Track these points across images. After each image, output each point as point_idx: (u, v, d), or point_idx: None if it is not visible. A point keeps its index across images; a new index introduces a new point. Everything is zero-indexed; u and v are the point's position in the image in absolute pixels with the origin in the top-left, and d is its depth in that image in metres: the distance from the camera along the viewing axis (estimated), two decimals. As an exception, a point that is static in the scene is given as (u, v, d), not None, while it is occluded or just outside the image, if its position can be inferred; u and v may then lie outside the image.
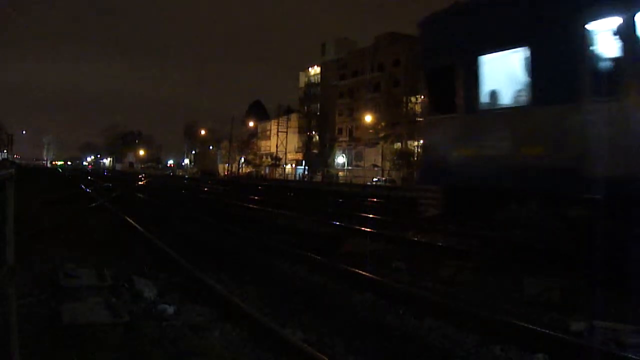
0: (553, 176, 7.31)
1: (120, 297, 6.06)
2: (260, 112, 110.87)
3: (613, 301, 6.14)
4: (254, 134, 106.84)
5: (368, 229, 12.84)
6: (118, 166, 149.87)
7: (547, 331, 5.09)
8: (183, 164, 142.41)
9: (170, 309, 5.77)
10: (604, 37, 7.01)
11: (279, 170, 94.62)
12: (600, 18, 6.96)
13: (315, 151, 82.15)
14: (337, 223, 14.35)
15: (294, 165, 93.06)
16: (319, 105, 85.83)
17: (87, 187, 29.76)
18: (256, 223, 14.57)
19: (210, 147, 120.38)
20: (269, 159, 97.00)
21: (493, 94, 8.60)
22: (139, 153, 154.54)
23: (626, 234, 6.39)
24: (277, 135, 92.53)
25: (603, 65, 7.11)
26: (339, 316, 5.96)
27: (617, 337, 5.17)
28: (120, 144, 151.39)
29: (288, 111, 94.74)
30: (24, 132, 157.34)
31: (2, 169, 3.43)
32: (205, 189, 38.76)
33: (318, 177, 78.72)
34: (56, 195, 21.08)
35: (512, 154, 7.98)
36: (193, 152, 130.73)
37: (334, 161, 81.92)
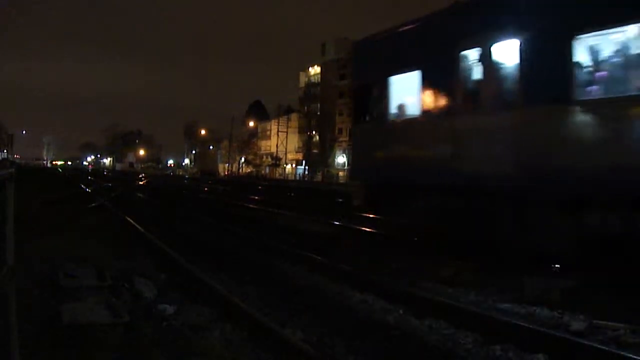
0: (438, 172, 9.33)
1: (120, 297, 6.06)
2: (260, 112, 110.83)
3: (614, 300, 6.14)
4: (254, 134, 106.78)
5: (368, 229, 12.82)
6: (118, 166, 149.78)
7: (547, 331, 5.10)
8: (183, 164, 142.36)
9: (170, 309, 5.77)
10: (472, 64, 8.87)
11: (279, 170, 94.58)
12: (469, 49, 8.81)
13: (315, 151, 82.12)
14: (337, 223, 14.34)
15: (294, 165, 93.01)
16: (319, 105, 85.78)
17: (87, 187, 29.77)
18: (256, 223, 14.57)
19: (210, 147, 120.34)
20: (269, 159, 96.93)
21: (399, 107, 10.75)
22: (139, 153, 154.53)
23: (486, 219, 8.33)
24: (277, 135, 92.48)
25: (470, 85, 8.95)
26: (339, 316, 5.96)
27: (618, 336, 5.17)
28: (120, 144, 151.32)
29: (288, 111, 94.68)
30: (24, 132, 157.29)
31: (2, 169, 3.43)
32: (205, 189, 38.76)
33: (318, 177, 78.67)
34: (56, 195, 21.08)
35: (412, 154, 10.21)
36: (193, 152, 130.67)
37: (334, 161, 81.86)
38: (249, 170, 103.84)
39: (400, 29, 10.82)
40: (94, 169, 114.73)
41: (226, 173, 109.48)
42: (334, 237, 11.79)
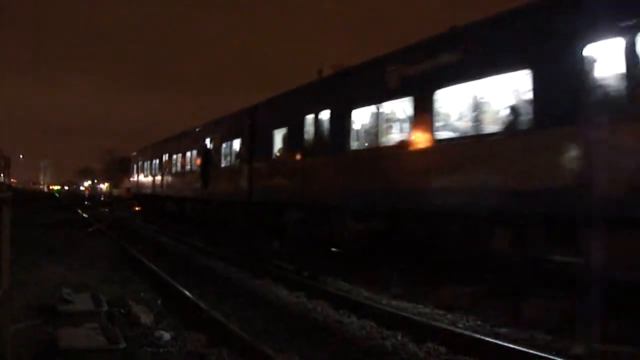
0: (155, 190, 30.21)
1: (116, 322, 6.00)
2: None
3: (613, 323, 6.10)
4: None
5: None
6: (115, 192, 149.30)
7: (546, 355, 5.05)
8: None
9: (167, 335, 5.71)
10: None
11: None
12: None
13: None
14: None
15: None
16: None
17: (83, 212, 29.71)
18: (251, 253, 14.49)
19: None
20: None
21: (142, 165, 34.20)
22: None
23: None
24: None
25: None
26: (337, 341, 5.90)
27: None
28: (117, 169, 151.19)
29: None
30: (20, 156, 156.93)
31: None
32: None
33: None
34: (53, 219, 21.01)
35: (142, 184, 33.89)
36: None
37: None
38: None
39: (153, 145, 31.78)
40: (90, 195, 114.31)
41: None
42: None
